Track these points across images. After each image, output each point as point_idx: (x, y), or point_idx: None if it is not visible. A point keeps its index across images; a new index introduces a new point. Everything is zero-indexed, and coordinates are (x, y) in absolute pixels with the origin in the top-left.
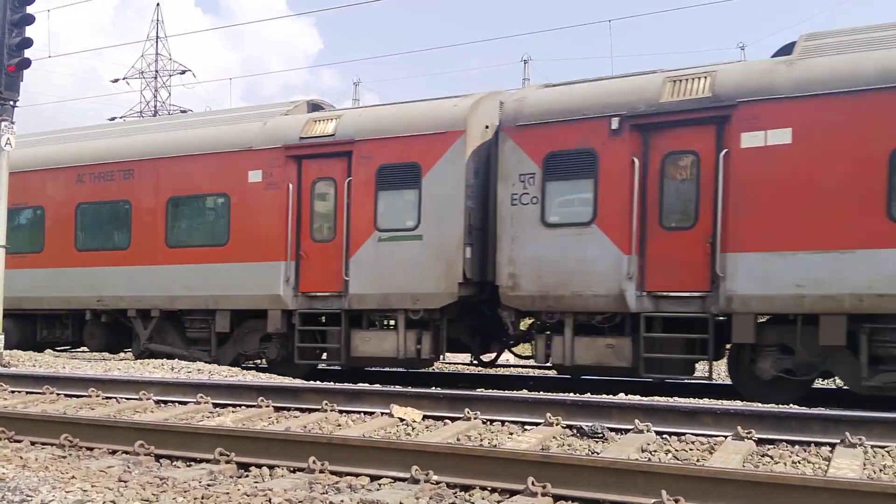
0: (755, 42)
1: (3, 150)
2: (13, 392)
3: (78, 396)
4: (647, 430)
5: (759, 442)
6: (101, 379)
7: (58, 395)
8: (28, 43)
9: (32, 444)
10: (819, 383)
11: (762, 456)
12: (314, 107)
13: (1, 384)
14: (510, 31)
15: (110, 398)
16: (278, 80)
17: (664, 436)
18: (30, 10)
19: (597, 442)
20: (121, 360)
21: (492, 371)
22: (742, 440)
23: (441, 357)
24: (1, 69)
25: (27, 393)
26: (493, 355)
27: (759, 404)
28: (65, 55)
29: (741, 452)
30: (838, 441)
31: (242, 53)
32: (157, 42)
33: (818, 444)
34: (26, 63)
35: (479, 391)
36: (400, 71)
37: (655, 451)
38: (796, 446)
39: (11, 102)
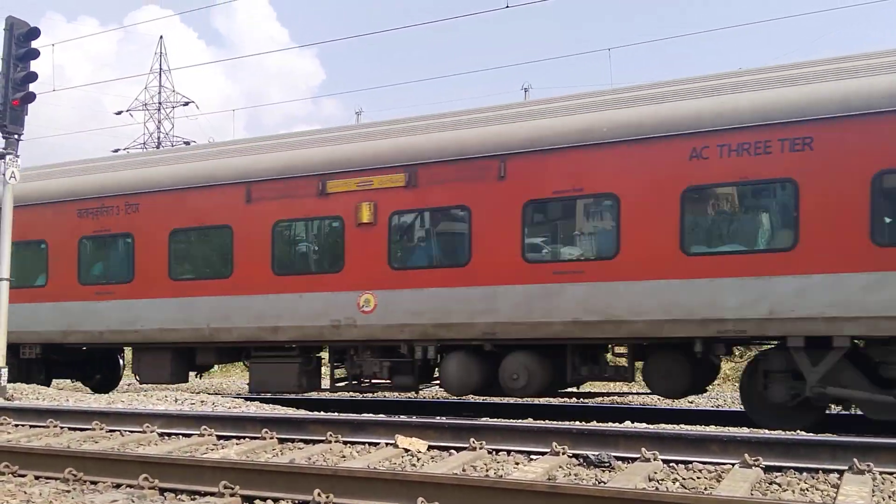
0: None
1: (8, 184)
2: (17, 426)
3: (82, 429)
4: (654, 459)
5: (767, 469)
6: (105, 412)
7: (61, 428)
8: (33, 77)
9: (37, 478)
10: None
11: (770, 483)
12: None
13: (5, 417)
14: (510, 59)
15: (114, 431)
16: (281, 111)
17: (671, 464)
18: (34, 44)
19: (603, 471)
20: (144, 392)
21: (495, 399)
22: (749, 468)
23: None
24: (6, 103)
25: (31, 426)
26: None
27: (767, 431)
28: (69, 88)
29: (749, 480)
30: (846, 468)
31: (245, 85)
32: (160, 74)
33: (826, 472)
34: (31, 97)
35: (484, 420)
36: (402, 100)
37: (663, 479)
38: (804, 473)
39: (16, 136)
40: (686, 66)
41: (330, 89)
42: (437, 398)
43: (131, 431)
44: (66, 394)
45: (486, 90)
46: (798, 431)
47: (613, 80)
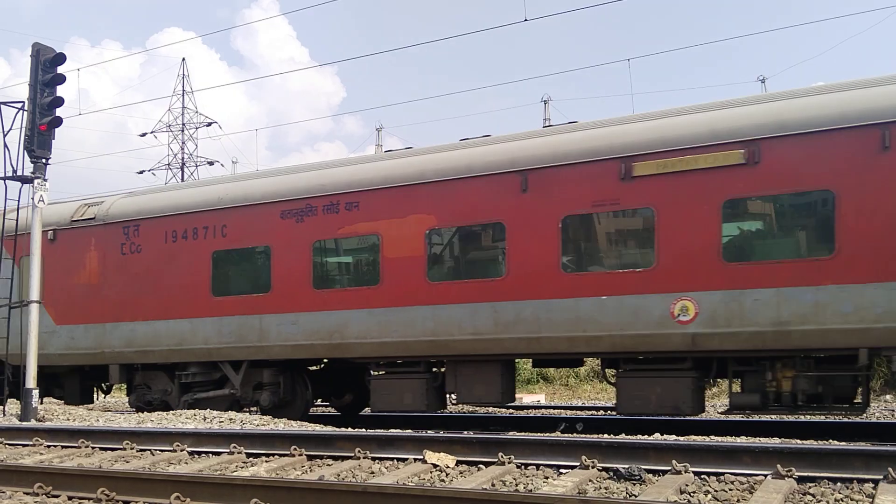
0: (776, 74)
1: (37, 207)
2: (49, 446)
3: (112, 449)
4: (685, 471)
5: (800, 480)
6: (136, 431)
7: (92, 448)
8: (59, 102)
9: (70, 498)
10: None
11: (803, 494)
12: None
13: (37, 439)
14: (530, 72)
15: (145, 450)
16: (302, 129)
17: (703, 476)
18: (60, 69)
19: (634, 484)
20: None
21: (522, 413)
22: (782, 478)
23: None
24: (34, 128)
25: (63, 447)
26: None
27: (799, 441)
28: (94, 112)
29: (782, 491)
30: (881, 477)
31: (267, 104)
32: (183, 96)
33: (860, 481)
34: (58, 122)
35: (512, 434)
36: (422, 115)
37: (694, 492)
38: (838, 483)
39: (44, 160)
40: (706, 76)
41: (350, 107)
42: (462, 412)
43: (161, 450)
44: (97, 414)
45: (506, 103)
46: (830, 441)
47: (633, 90)
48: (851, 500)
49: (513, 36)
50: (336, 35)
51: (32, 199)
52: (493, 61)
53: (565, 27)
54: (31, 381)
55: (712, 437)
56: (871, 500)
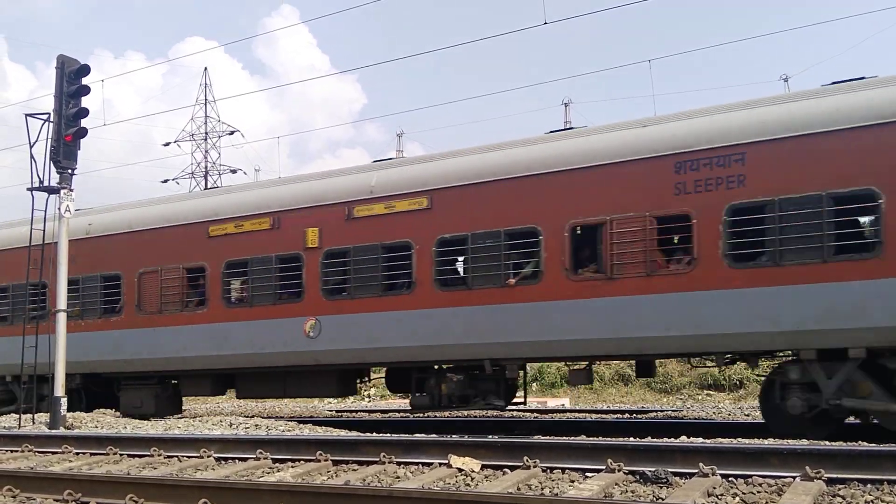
0: (799, 73)
1: (63, 217)
2: (78, 454)
3: (140, 456)
4: (713, 474)
5: (830, 482)
6: (163, 438)
7: (120, 455)
8: (84, 113)
9: None
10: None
11: (833, 496)
12: None
13: (66, 446)
14: (551, 75)
15: (172, 457)
16: (323, 137)
17: (730, 478)
18: (85, 81)
19: (661, 487)
20: (194, 418)
21: (547, 417)
22: (811, 480)
23: None
24: (59, 139)
25: (91, 454)
26: None
27: (828, 442)
28: (118, 122)
29: (811, 493)
30: None
31: (289, 112)
32: (205, 105)
33: (891, 483)
34: (83, 132)
35: (537, 438)
36: (443, 119)
37: (722, 494)
38: (868, 485)
39: (70, 171)
40: (726, 74)
41: (371, 113)
42: (487, 416)
43: (189, 457)
44: (124, 421)
45: (527, 107)
46: (860, 442)
47: (655, 91)
48: (882, 501)
49: (533, 39)
50: (357, 42)
51: (59, 209)
52: (514, 64)
53: (585, 29)
54: (59, 389)
55: (740, 439)
56: None
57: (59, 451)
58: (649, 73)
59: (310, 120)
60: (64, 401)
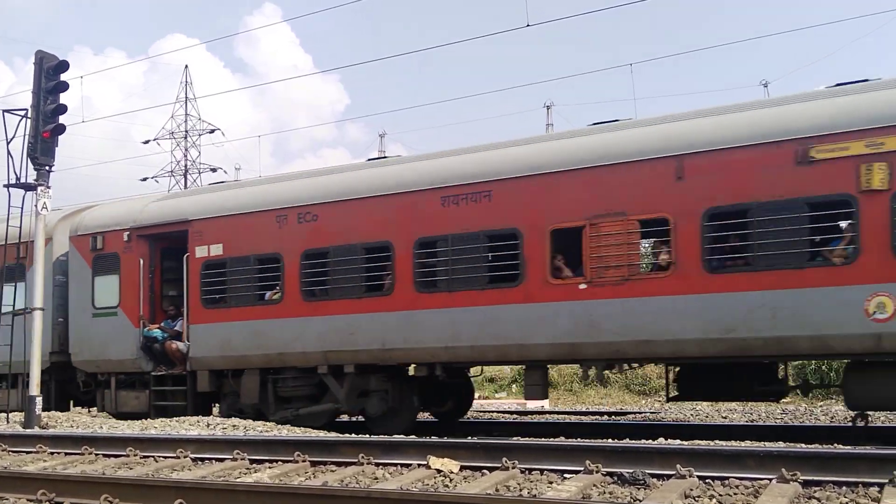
0: (778, 79)
1: (40, 214)
2: (52, 453)
3: (116, 456)
4: (690, 475)
5: (805, 484)
6: (139, 438)
7: (96, 455)
8: (62, 109)
9: None
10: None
11: (808, 498)
12: None
13: (41, 445)
14: (532, 77)
15: (148, 457)
16: (306, 136)
17: (707, 480)
18: (63, 77)
19: (638, 489)
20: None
21: (527, 418)
22: (787, 482)
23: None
24: (37, 135)
25: (66, 454)
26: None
27: (804, 445)
28: (98, 119)
29: (787, 495)
30: (887, 481)
31: (271, 112)
32: (186, 103)
33: (866, 485)
34: (61, 129)
35: (517, 439)
36: (425, 121)
37: (699, 496)
38: (843, 487)
39: (47, 167)
40: (706, 80)
41: (354, 113)
42: (467, 418)
43: (165, 457)
44: (100, 420)
45: (509, 109)
46: (836, 445)
47: (637, 95)
48: (856, 503)
49: (515, 41)
50: (340, 42)
51: (35, 206)
52: (497, 66)
53: (567, 32)
54: (34, 388)
55: (717, 441)
56: (876, 503)
57: (34, 450)
58: (631, 76)
59: (292, 119)
60: (39, 400)
